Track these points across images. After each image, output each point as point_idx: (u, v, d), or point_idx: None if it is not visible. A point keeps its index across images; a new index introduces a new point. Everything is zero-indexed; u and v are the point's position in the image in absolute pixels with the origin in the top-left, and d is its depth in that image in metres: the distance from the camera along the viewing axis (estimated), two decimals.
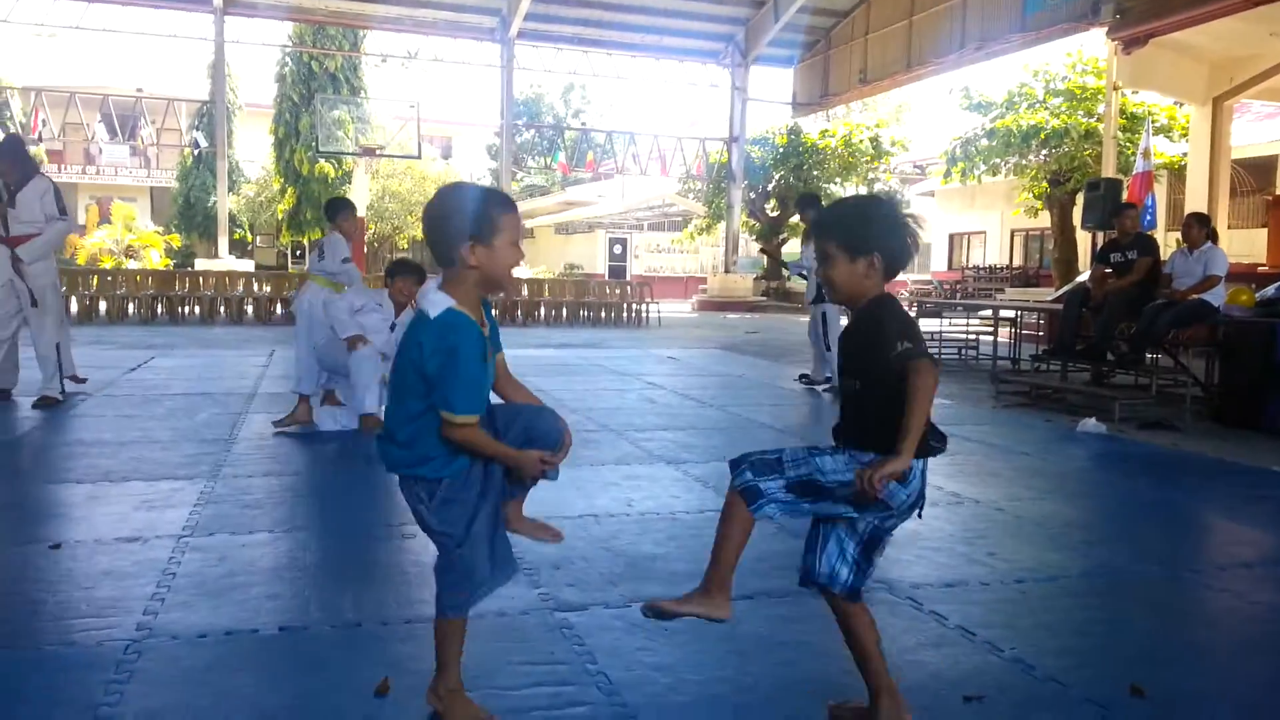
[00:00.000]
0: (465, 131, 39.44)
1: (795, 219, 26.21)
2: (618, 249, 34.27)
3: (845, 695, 2.36)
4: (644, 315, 17.82)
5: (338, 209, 6.33)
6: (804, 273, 9.08)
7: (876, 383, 2.05)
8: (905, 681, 2.51)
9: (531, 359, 10.43)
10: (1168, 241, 12.15)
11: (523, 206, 32.60)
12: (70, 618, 2.79)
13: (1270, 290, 7.49)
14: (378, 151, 22.22)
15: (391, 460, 2.14)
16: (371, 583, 3.26)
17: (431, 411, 2.03)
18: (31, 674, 2.42)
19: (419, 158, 24.63)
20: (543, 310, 17.43)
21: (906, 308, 2.37)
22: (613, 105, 44.63)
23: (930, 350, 2.03)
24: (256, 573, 3.27)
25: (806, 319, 9.22)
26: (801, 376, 8.91)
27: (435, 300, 2.04)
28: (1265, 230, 14.85)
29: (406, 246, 32.13)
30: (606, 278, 27.33)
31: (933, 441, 2.07)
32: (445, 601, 2.19)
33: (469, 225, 2.02)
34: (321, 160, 26.24)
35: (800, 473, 2.08)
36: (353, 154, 22.11)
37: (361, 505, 4.37)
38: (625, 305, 18.01)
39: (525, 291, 17.64)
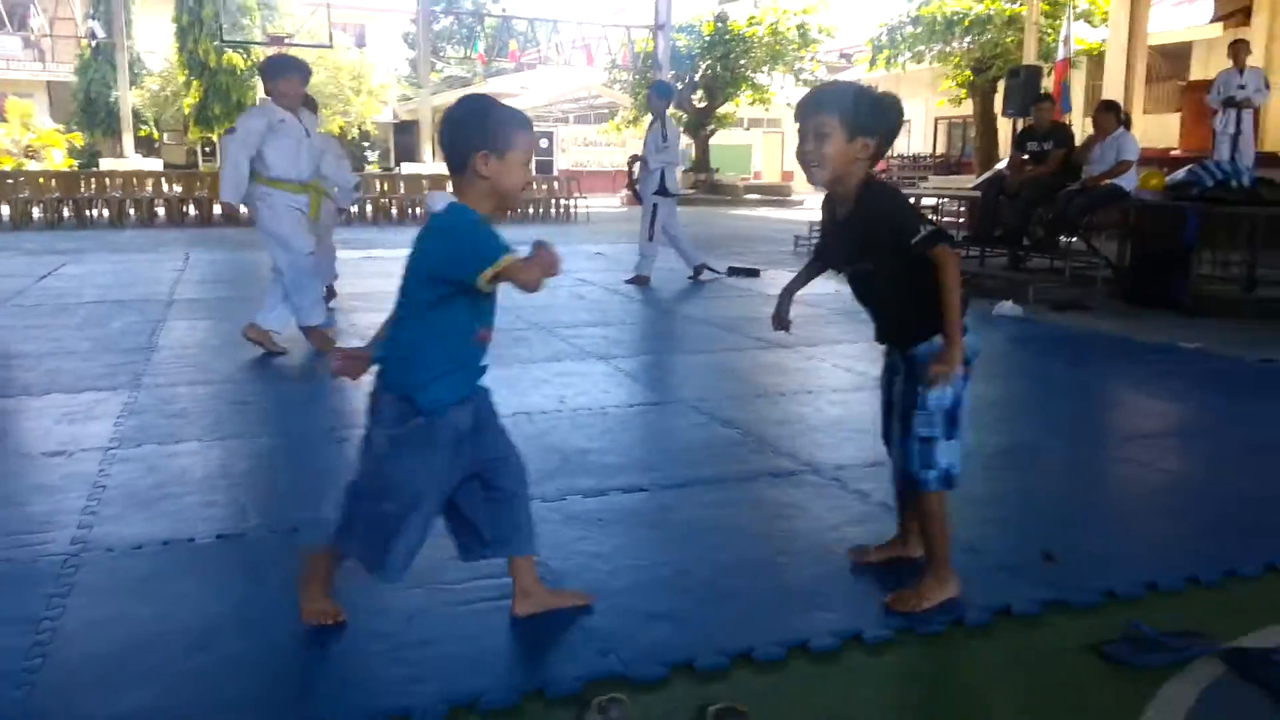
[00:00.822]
0: (380, 19, 37.73)
1: (723, 109, 25.94)
2: (544, 142, 33.47)
3: (780, 576, 2.49)
4: (572, 211, 17.62)
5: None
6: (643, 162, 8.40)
7: (904, 274, 2.18)
8: (829, 556, 2.65)
9: None
10: (1086, 128, 12.34)
11: (442, 99, 31.61)
12: (2, 534, 2.76)
13: (1180, 174, 7.71)
14: (286, 40, 21.21)
15: (388, 374, 2.07)
16: (308, 487, 3.27)
17: (437, 324, 2.00)
18: None
19: (330, 47, 23.52)
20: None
21: None
22: None
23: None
24: (189, 482, 3.26)
25: (737, 211, 9.21)
26: (725, 268, 8.94)
27: (441, 198, 2.03)
28: (1179, 115, 15.16)
29: None
30: (533, 172, 26.80)
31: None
32: (348, 544, 2.15)
33: (485, 135, 2.01)
34: (230, 50, 24.95)
35: (941, 423, 2.28)
36: (260, 43, 21.12)
37: (292, 412, 4.34)
38: (552, 201, 17.76)
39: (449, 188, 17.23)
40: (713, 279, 8.57)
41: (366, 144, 34.81)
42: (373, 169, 28.75)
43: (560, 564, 2.58)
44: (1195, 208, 7.07)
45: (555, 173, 26.66)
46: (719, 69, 24.91)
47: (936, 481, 2.29)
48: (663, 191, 8.28)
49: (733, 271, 8.92)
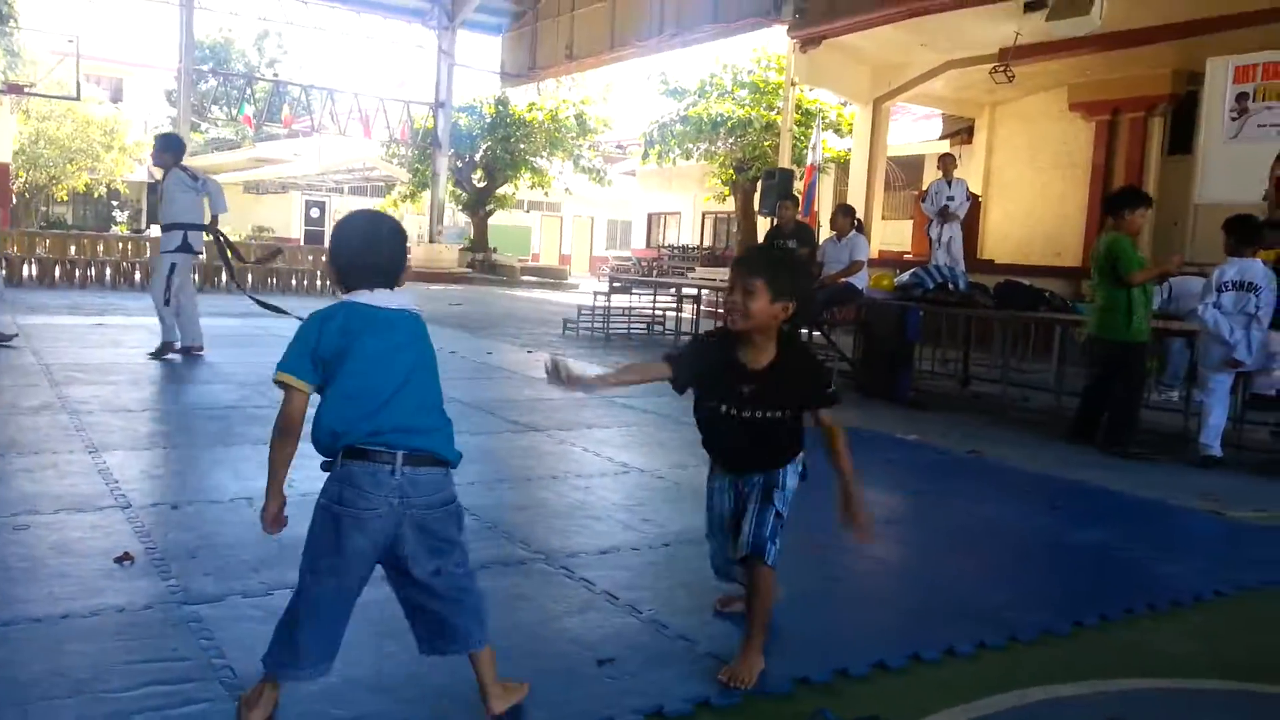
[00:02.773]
0: (139, 74, 35.72)
1: (502, 190, 26.18)
2: (315, 212, 32.56)
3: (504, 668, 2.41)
4: None
5: None
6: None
7: (794, 415, 2.56)
8: (544, 649, 2.60)
9: (207, 329, 9.64)
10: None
11: (208, 160, 30.10)
12: None
13: (905, 276, 8.45)
14: (27, 89, 19.60)
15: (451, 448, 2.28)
16: None
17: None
18: None
19: (78, 99, 21.93)
20: (223, 277, 16.14)
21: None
22: (312, 59, 42.25)
23: None
24: None
25: (513, 292, 9.13)
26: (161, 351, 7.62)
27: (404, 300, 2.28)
28: (912, 221, 16.72)
29: (66, 199, 28.64)
30: (302, 243, 25.81)
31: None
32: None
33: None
34: None
35: (788, 508, 2.58)
36: None
37: None
38: (321, 273, 17.15)
39: (202, 256, 16.25)
40: (173, 358, 7.64)
41: (116, 203, 32.45)
42: (120, 230, 26.81)
43: (249, 667, 2.35)
44: (917, 307, 7.75)
45: (326, 243, 25.86)
46: (499, 150, 25.23)
47: (776, 555, 2.49)
48: (185, 248, 7.57)
49: (262, 304, 7.94)
